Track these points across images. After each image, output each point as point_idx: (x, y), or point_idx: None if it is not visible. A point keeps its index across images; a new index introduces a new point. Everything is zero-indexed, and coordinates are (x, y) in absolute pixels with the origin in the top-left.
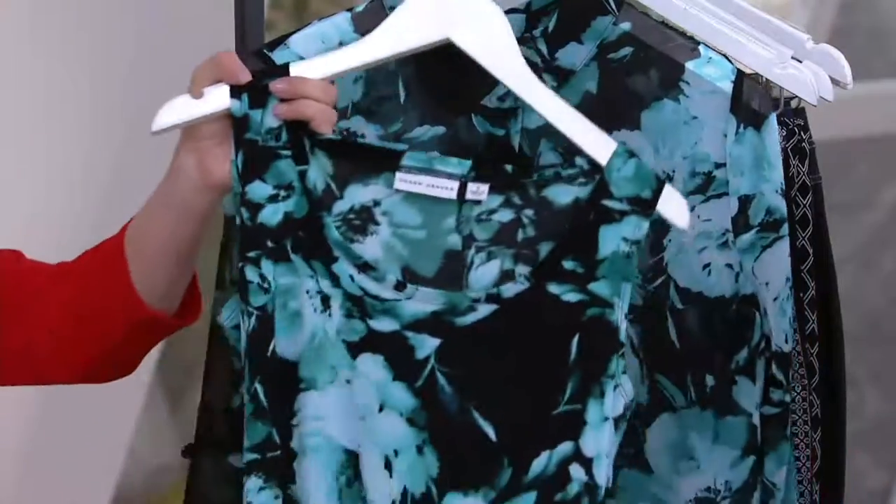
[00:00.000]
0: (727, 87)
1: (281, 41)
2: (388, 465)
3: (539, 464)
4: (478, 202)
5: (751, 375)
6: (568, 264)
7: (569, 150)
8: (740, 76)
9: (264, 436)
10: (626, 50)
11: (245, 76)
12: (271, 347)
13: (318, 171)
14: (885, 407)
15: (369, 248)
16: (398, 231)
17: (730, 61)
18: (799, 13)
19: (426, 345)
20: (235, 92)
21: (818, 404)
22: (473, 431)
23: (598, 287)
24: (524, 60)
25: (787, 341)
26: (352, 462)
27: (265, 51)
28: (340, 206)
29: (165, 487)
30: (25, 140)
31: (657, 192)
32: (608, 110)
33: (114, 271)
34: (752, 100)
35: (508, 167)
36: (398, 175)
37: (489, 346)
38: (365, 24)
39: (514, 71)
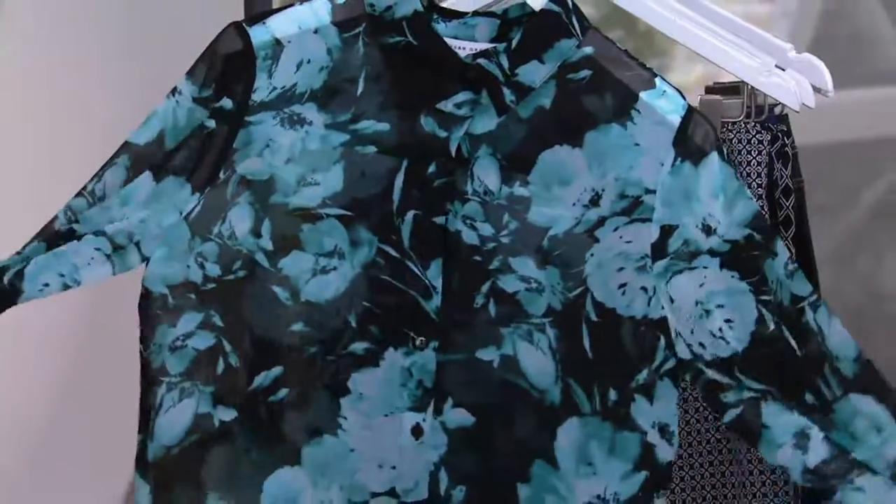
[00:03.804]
0: (675, 120)
1: (264, 16)
2: None
3: None
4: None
5: (649, 396)
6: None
7: (507, 157)
8: (690, 112)
9: None
10: (585, 72)
11: None
12: None
13: None
14: None
15: None
16: None
17: (683, 97)
18: (780, 24)
19: None
20: None
21: None
22: None
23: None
24: None
25: (717, 350)
26: None
27: (245, 24)
28: None
29: None
30: (27, 140)
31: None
32: (555, 125)
33: None
34: (696, 136)
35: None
36: None
37: None
38: (342, 15)
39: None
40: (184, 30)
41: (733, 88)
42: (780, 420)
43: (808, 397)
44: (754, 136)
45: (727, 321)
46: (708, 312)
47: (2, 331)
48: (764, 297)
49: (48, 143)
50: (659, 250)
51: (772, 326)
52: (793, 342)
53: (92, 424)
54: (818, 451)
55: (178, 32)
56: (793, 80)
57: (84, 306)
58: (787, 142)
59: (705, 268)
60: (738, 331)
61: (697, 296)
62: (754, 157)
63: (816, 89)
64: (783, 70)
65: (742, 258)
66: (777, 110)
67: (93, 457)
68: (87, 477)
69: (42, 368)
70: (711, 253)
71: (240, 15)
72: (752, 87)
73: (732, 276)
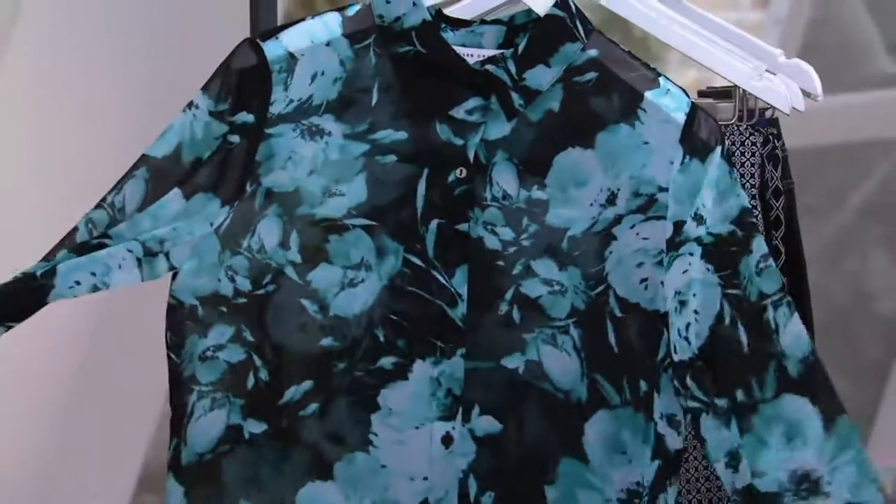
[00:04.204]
0: (680, 118)
1: (276, 31)
2: None
3: None
4: None
5: (659, 387)
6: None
7: (523, 162)
8: (694, 109)
9: None
10: (591, 74)
11: None
12: None
13: None
14: (850, 394)
15: None
16: None
17: (687, 95)
18: (771, 31)
19: None
20: None
21: None
22: None
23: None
24: None
25: (675, 351)
26: None
27: (258, 40)
28: None
29: None
30: (41, 143)
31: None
32: (566, 128)
33: None
34: (702, 132)
35: None
36: None
37: None
38: (352, 27)
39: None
40: (187, 42)
41: (725, 92)
42: (715, 436)
43: (739, 394)
44: (748, 138)
45: (695, 312)
46: (683, 304)
47: (13, 331)
48: (731, 291)
49: (62, 146)
50: (671, 246)
51: (727, 321)
52: (743, 338)
53: (101, 423)
54: (747, 474)
55: (182, 43)
56: (783, 85)
57: (93, 309)
58: (777, 144)
59: (691, 255)
60: (701, 324)
61: (678, 285)
62: (748, 159)
63: (806, 93)
64: (774, 74)
65: (721, 253)
66: (768, 114)
67: (101, 453)
68: (94, 473)
69: (52, 367)
70: (698, 241)
71: (245, 30)
72: (743, 90)
73: (707, 269)
